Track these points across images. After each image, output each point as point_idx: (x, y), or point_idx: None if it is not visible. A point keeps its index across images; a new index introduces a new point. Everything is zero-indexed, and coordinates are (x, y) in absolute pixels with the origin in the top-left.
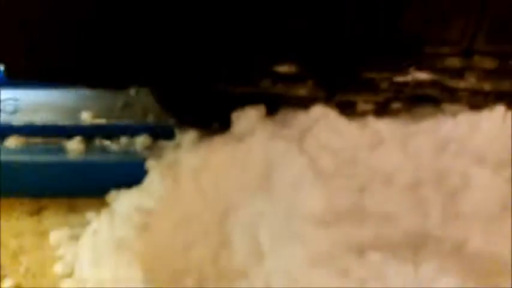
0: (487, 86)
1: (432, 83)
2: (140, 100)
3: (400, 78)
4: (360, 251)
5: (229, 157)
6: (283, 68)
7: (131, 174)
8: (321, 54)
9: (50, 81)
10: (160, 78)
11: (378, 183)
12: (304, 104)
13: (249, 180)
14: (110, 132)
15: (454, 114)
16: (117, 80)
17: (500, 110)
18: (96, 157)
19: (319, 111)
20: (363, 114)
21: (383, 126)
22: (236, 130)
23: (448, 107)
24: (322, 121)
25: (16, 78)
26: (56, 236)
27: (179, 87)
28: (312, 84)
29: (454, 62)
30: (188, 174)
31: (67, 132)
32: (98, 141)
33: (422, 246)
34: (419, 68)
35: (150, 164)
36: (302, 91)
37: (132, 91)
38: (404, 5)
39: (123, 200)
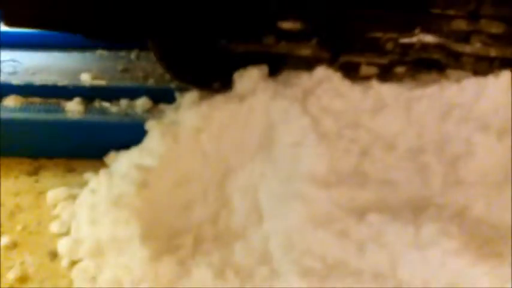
0: (492, 52)
1: (438, 47)
2: (140, 64)
3: (405, 40)
4: (361, 213)
5: (231, 117)
6: (287, 25)
7: (131, 136)
8: (326, 10)
9: (49, 29)
10: (162, 31)
11: (380, 148)
12: (308, 65)
13: (250, 140)
14: (110, 94)
15: (458, 80)
16: (120, 31)
17: (506, 75)
18: (95, 118)
19: (322, 72)
20: (367, 78)
21: (386, 91)
22: (238, 89)
23: (452, 73)
24: (325, 83)
25: (15, 26)
26: (53, 195)
27: (181, 42)
28: (316, 43)
29: (461, 24)
30: (188, 133)
31: (66, 93)
32: (97, 103)
33: (423, 210)
34: (426, 30)
35: (150, 124)
36: (306, 51)
37: (133, 55)
38: None
39: (122, 160)
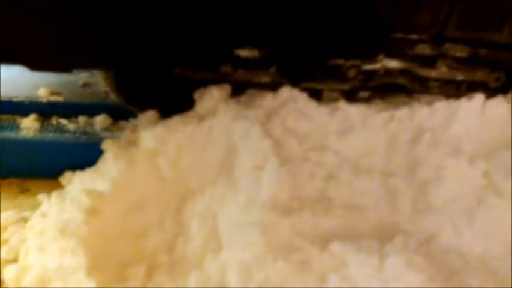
0: (459, 76)
1: (402, 72)
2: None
3: (368, 66)
4: (324, 241)
5: (189, 138)
6: (244, 52)
7: (87, 156)
8: (284, 38)
9: None
10: (119, 62)
11: (347, 172)
12: (270, 88)
13: (210, 163)
14: (68, 110)
15: (430, 103)
16: (70, 62)
17: (478, 98)
18: (50, 136)
19: (287, 93)
20: (331, 100)
21: (354, 112)
22: (198, 109)
23: (423, 95)
24: (290, 103)
25: None
26: (3, 218)
27: (137, 72)
28: (275, 71)
29: (425, 49)
30: (144, 155)
31: (22, 109)
32: (54, 120)
33: (390, 238)
34: (389, 56)
35: (106, 144)
36: (265, 78)
37: None
38: None
39: (75, 182)
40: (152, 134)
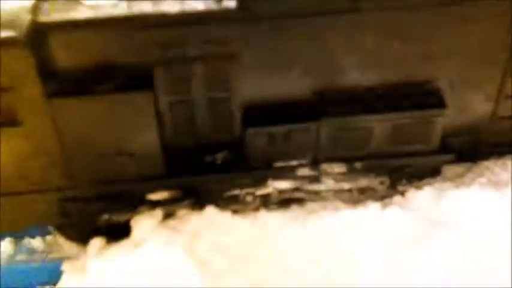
0: (346, 185)
1: (295, 189)
2: None
3: (261, 191)
4: None
5: (125, 266)
6: (155, 196)
7: (55, 274)
8: (189, 178)
9: None
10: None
11: (274, 276)
12: None
13: None
14: (39, 231)
15: (337, 209)
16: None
17: (375, 208)
18: (24, 259)
19: (212, 212)
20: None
21: (274, 220)
22: (134, 237)
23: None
24: (215, 222)
25: None
26: None
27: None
28: (190, 203)
29: (306, 171)
30: (90, 282)
31: None
32: (26, 241)
33: None
34: (277, 179)
35: (65, 266)
36: (182, 210)
37: None
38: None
39: None
40: (93, 264)
